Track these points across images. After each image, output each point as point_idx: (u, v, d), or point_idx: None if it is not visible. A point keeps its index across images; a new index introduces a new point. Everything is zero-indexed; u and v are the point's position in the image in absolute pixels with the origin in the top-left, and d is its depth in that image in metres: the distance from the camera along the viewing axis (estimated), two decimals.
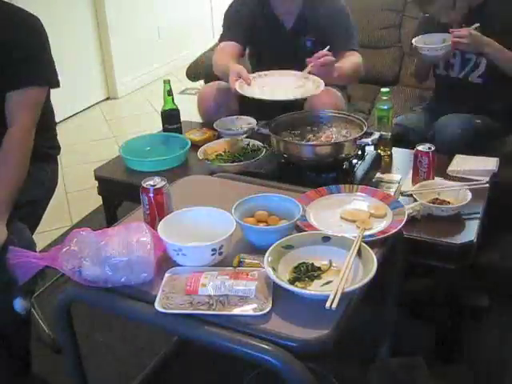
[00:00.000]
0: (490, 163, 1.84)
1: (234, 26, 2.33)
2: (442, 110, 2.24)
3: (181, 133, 2.26)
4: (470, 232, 1.57)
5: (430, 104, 2.46)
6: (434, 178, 1.74)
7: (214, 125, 2.25)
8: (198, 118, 2.50)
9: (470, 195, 1.61)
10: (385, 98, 2.00)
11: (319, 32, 2.23)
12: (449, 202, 1.63)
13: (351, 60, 2.19)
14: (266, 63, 2.32)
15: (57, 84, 1.74)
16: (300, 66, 2.13)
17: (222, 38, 2.37)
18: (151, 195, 1.27)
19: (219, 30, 2.44)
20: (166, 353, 1.72)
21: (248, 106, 2.32)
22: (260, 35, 2.30)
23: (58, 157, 1.90)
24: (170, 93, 2.21)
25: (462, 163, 1.86)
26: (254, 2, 2.28)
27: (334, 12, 2.23)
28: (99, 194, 2.16)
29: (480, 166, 1.82)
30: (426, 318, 1.87)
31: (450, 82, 2.28)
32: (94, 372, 1.68)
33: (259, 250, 1.16)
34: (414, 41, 2.17)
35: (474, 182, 1.71)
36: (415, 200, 1.66)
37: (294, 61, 2.15)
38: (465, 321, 1.80)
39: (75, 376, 1.27)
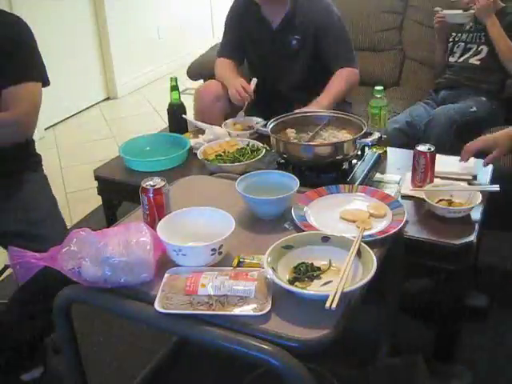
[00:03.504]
0: (470, 164, 1.84)
1: (229, 43, 2.47)
2: (441, 98, 2.51)
3: (187, 129, 2.27)
4: (469, 232, 1.57)
5: (432, 96, 2.60)
6: (432, 179, 1.73)
7: (223, 125, 2.26)
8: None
9: (480, 198, 1.61)
10: (378, 96, 2.00)
11: (307, 32, 2.30)
12: (460, 204, 1.62)
13: (337, 83, 2.26)
14: (255, 62, 2.47)
15: (47, 82, 1.76)
16: (285, 64, 2.32)
17: (219, 54, 2.50)
18: (151, 195, 1.27)
19: (219, 30, 2.50)
20: (165, 353, 1.72)
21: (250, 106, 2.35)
22: (250, 37, 2.40)
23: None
24: (175, 88, 2.26)
25: (443, 165, 1.85)
26: (247, 7, 2.37)
27: (326, 19, 2.30)
28: (99, 194, 2.16)
29: (463, 169, 1.82)
30: (425, 318, 1.87)
31: (449, 67, 2.57)
32: (94, 372, 1.68)
33: (259, 250, 1.16)
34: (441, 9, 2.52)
35: (486, 186, 1.72)
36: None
37: (279, 59, 2.33)
38: (464, 321, 1.80)
39: (75, 376, 1.27)
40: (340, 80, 2.27)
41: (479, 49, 2.48)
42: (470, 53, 2.51)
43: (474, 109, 2.32)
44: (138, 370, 1.67)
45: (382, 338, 1.68)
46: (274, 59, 2.37)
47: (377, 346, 1.68)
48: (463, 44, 2.53)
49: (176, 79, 2.27)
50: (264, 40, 2.36)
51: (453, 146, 2.10)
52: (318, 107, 2.12)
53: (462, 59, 2.53)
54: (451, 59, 2.57)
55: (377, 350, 1.67)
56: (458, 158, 1.88)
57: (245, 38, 2.42)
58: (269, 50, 2.36)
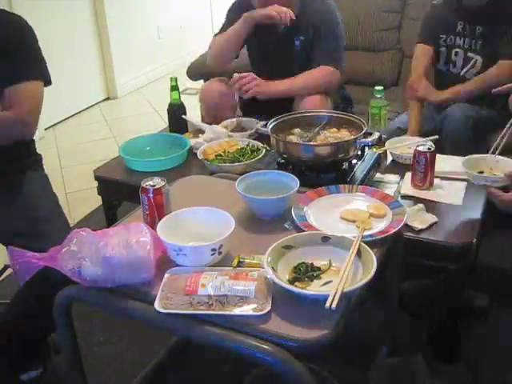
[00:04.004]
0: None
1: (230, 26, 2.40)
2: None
3: (187, 129, 2.26)
4: (469, 232, 1.57)
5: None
6: (432, 179, 1.73)
7: (220, 125, 2.26)
8: (197, 119, 2.50)
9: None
10: (378, 96, 2.00)
11: (308, 33, 2.30)
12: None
13: (307, 76, 2.27)
14: (258, 61, 2.45)
15: (49, 82, 1.77)
16: (288, 64, 2.32)
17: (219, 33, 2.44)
18: (151, 195, 1.27)
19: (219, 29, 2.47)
20: (165, 353, 1.72)
21: (249, 105, 2.34)
22: (255, 34, 2.36)
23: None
24: (175, 88, 2.27)
25: (443, 165, 1.85)
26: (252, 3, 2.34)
27: (325, 20, 2.30)
28: (99, 194, 2.16)
29: (463, 169, 1.82)
30: (425, 318, 1.87)
31: (450, 78, 2.34)
32: (94, 372, 1.69)
33: (259, 250, 1.16)
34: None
35: None
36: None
37: (282, 59, 2.33)
38: (464, 321, 1.80)
39: (75, 376, 1.27)
40: (311, 76, 2.27)
41: (481, 61, 2.24)
42: (472, 64, 2.27)
43: (484, 112, 2.18)
44: (138, 370, 1.67)
45: (382, 338, 1.68)
46: (277, 59, 2.35)
47: (377, 346, 1.68)
48: (462, 52, 2.28)
49: (176, 79, 2.27)
50: (269, 39, 2.35)
51: (471, 140, 2.06)
52: (273, 87, 2.21)
53: (463, 72, 2.30)
54: (453, 70, 2.33)
55: (377, 349, 1.67)
56: (458, 157, 1.88)
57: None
58: (273, 49, 2.35)
